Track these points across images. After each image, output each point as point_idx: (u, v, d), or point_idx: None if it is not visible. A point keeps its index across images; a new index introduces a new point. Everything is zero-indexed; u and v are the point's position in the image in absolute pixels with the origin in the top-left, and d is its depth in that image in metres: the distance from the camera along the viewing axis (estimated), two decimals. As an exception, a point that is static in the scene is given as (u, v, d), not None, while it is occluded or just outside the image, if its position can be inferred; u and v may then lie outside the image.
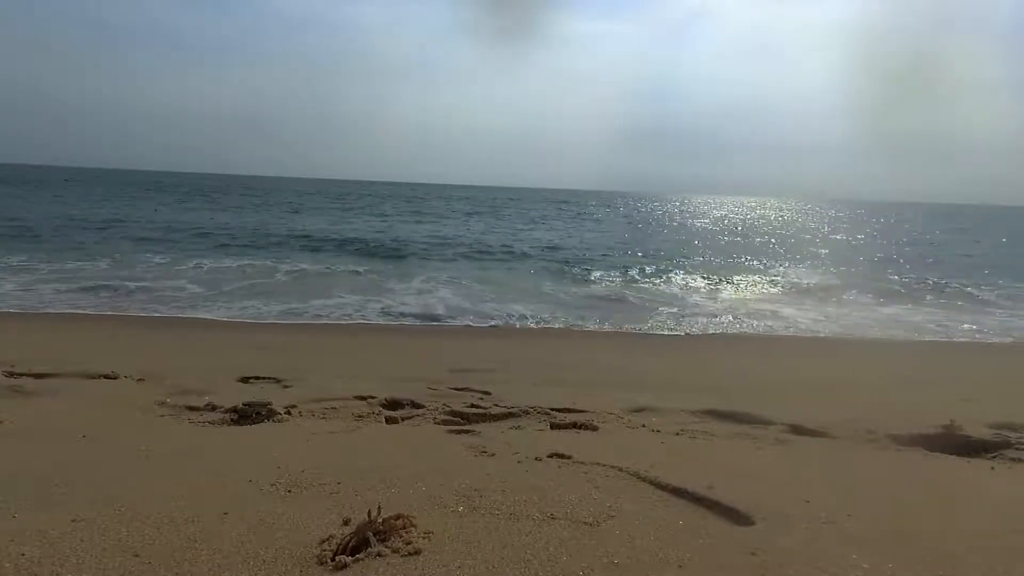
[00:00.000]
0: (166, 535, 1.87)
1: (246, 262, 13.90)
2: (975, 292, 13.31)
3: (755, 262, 18.30)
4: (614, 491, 2.32)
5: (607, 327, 8.57)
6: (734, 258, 19.43)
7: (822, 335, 8.47)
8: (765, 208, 79.08)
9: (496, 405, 3.63)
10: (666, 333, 8.48)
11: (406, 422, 3.33)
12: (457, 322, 8.57)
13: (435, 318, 8.77)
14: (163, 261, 13.40)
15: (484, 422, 3.38)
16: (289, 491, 2.24)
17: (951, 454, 3.05)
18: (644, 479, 2.45)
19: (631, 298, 11.30)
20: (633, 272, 14.96)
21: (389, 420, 3.33)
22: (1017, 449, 3.04)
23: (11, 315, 7.90)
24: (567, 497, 2.24)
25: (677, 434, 3.22)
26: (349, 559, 1.75)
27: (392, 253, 17.05)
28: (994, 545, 1.98)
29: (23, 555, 1.71)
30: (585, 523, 2.04)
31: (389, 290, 11.01)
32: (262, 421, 3.15)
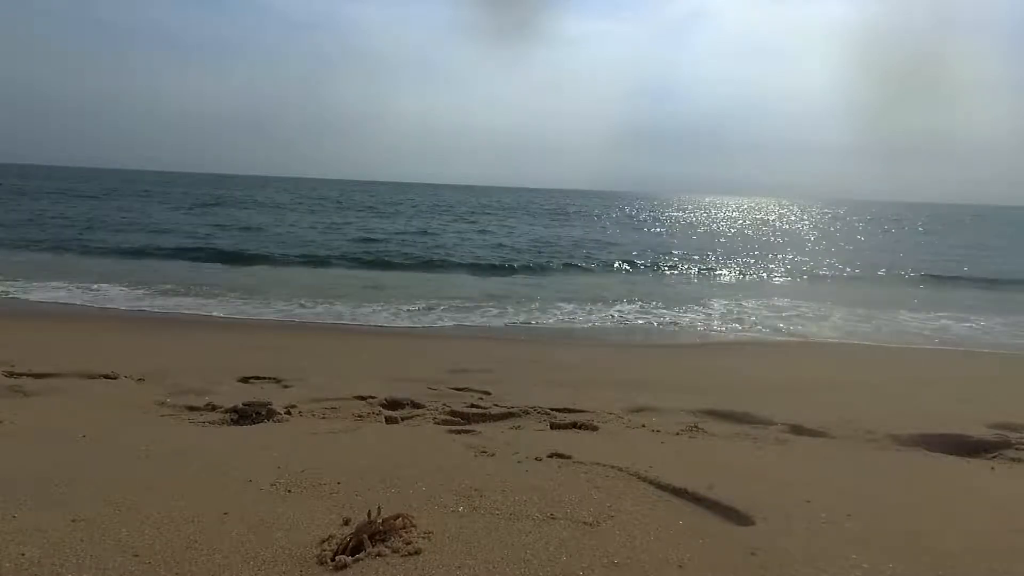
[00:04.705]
0: (166, 535, 1.87)
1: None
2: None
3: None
4: (614, 491, 2.32)
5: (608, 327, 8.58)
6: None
7: (822, 339, 8.47)
8: (779, 209, 77.59)
9: (496, 405, 3.63)
10: (666, 334, 8.49)
11: (406, 422, 3.33)
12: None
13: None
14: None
15: (484, 422, 3.38)
16: (289, 491, 2.23)
17: (951, 454, 3.04)
18: (644, 479, 2.45)
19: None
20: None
21: (389, 420, 3.33)
22: (1017, 449, 3.04)
23: (11, 315, 7.90)
24: (567, 497, 2.24)
25: (677, 434, 3.22)
26: (349, 559, 1.75)
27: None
28: (994, 545, 1.98)
29: (23, 555, 1.71)
30: (585, 523, 2.04)
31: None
32: (262, 421, 3.15)
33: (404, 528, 1.89)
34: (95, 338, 6.35)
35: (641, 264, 16.76)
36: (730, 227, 36.98)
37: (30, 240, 16.18)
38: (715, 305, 10.69)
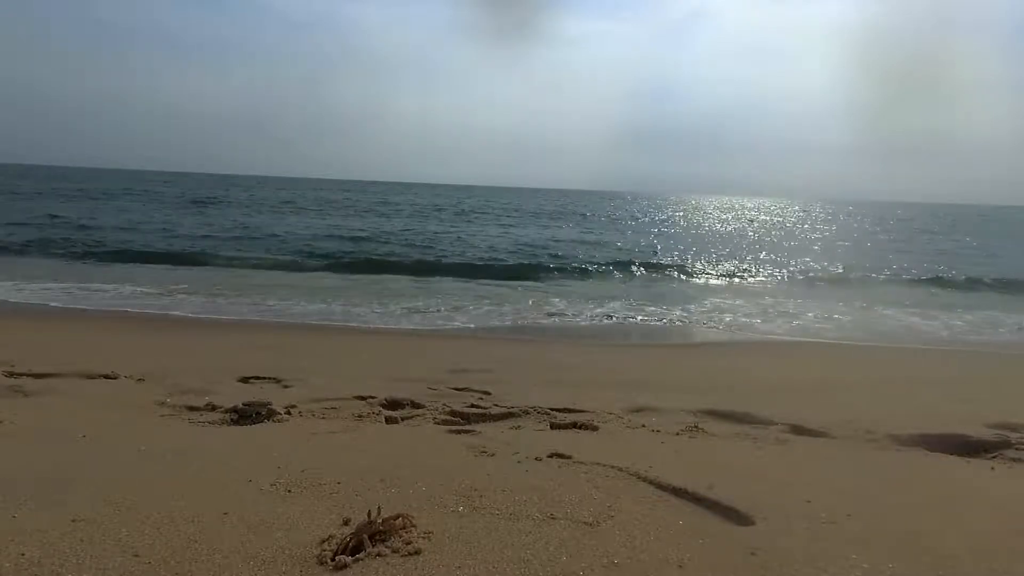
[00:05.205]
0: (166, 535, 1.87)
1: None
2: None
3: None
4: (614, 491, 2.32)
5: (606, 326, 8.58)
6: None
7: (821, 338, 8.47)
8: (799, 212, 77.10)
9: (496, 405, 3.63)
10: (667, 334, 8.49)
11: (406, 422, 3.33)
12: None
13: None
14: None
15: (484, 422, 3.38)
16: (289, 491, 2.24)
17: (951, 454, 3.04)
18: (644, 479, 2.45)
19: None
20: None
21: (389, 420, 3.33)
22: (1017, 449, 3.04)
23: (11, 315, 7.91)
24: (567, 497, 2.24)
25: (677, 434, 3.22)
26: (349, 559, 1.75)
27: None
28: (994, 545, 1.98)
29: (23, 555, 1.71)
30: (585, 523, 2.04)
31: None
32: (262, 421, 3.15)
33: (404, 528, 1.89)
34: (95, 338, 6.35)
35: (640, 264, 16.77)
36: (729, 227, 37.03)
37: (21, 240, 16.18)
38: (714, 305, 10.69)
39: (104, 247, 15.81)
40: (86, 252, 14.96)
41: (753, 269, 17.03)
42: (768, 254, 21.41)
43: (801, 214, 62.76)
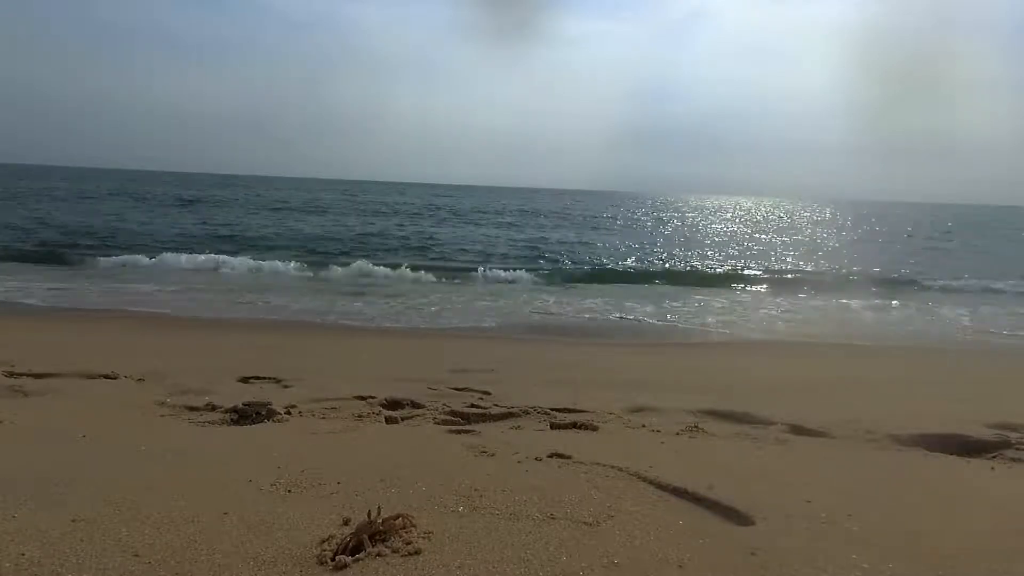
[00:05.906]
0: (166, 535, 1.87)
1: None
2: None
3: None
4: (614, 491, 2.32)
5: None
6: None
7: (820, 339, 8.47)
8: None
9: (496, 405, 3.63)
10: (666, 333, 8.49)
11: (406, 422, 3.33)
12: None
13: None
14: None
15: (484, 422, 3.38)
16: (289, 491, 2.23)
17: (951, 454, 3.04)
18: (644, 479, 2.45)
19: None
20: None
21: (389, 420, 3.33)
22: (1017, 449, 3.04)
23: (11, 314, 7.91)
24: (567, 497, 2.24)
25: (677, 434, 3.22)
26: (349, 559, 1.75)
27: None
28: (994, 545, 1.98)
29: (23, 555, 1.71)
30: (585, 523, 2.04)
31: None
32: (262, 421, 3.15)
33: (404, 528, 1.89)
34: (95, 338, 6.35)
35: (640, 264, 16.77)
36: (727, 228, 37.06)
37: (21, 241, 16.17)
38: (710, 305, 10.69)
39: (104, 247, 15.81)
40: (86, 252, 14.95)
41: (752, 269, 17.03)
42: (767, 254, 21.42)
43: (800, 214, 62.82)
